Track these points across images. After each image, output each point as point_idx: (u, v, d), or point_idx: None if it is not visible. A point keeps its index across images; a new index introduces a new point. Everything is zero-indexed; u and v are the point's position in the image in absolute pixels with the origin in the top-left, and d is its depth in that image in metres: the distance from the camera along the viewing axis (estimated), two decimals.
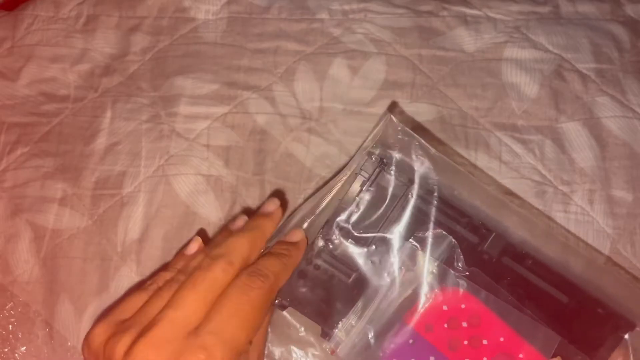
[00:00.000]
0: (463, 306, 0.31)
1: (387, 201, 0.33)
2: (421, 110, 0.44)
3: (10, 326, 0.41)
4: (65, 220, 0.43)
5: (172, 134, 0.44)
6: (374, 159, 0.33)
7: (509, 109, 0.44)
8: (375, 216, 0.33)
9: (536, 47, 0.46)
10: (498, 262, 0.33)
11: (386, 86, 0.45)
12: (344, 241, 0.33)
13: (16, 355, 0.40)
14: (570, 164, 0.42)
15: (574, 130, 0.43)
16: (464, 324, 0.30)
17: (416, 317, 0.30)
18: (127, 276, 0.41)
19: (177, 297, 0.27)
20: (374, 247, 0.33)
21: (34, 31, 0.49)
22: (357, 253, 0.33)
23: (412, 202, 0.33)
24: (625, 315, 0.32)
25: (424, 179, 0.33)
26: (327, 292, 0.33)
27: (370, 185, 0.33)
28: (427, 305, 0.31)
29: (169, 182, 0.43)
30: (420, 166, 0.32)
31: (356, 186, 0.33)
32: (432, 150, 0.33)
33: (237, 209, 0.42)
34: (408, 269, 0.31)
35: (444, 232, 0.32)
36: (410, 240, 0.32)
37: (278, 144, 0.44)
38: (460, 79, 0.45)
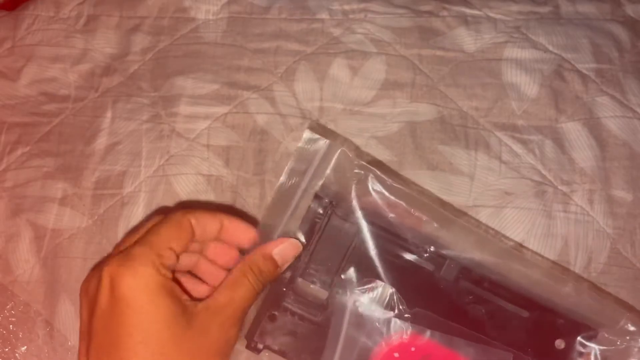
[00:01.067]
0: (413, 349, 0.31)
1: (339, 244, 0.33)
2: (421, 110, 0.44)
3: (11, 326, 0.41)
4: (66, 220, 0.43)
5: (173, 134, 0.44)
6: (324, 202, 0.33)
7: (509, 109, 0.44)
8: (329, 259, 0.33)
9: (536, 47, 0.46)
10: (456, 287, 0.33)
11: (386, 86, 0.45)
12: (307, 285, 0.33)
13: (17, 354, 0.41)
14: (570, 164, 0.42)
15: (574, 130, 0.43)
16: None
17: None
18: None
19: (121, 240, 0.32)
20: (331, 291, 0.33)
21: (34, 31, 0.49)
22: (320, 295, 0.33)
23: (364, 241, 0.33)
24: (587, 323, 0.33)
25: (375, 215, 0.33)
26: (298, 333, 0.33)
27: (322, 230, 0.33)
28: (378, 357, 0.31)
29: (169, 182, 0.43)
30: (370, 203, 0.33)
31: (308, 230, 0.33)
32: (389, 181, 0.33)
33: (238, 208, 0.42)
34: (354, 324, 0.32)
35: (380, 282, 0.32)
36: (355, 292, 0.32)
37: (278, 144, 0.44)
38: (460, 79, 0.45)
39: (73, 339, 0.40)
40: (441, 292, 0.33)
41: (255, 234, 0.32)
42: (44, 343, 0.41)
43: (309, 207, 0.33)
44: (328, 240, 0.33)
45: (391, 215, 0.33)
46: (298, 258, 0.33)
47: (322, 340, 0.32)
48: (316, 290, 0.33)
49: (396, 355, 0.31)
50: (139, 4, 0.50)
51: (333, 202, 0.33)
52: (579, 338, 0.32)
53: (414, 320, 0.32)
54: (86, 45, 0.49)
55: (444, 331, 0.32)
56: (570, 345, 0.32)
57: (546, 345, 0.33)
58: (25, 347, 0.41)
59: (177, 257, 0.29)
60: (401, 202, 0.33)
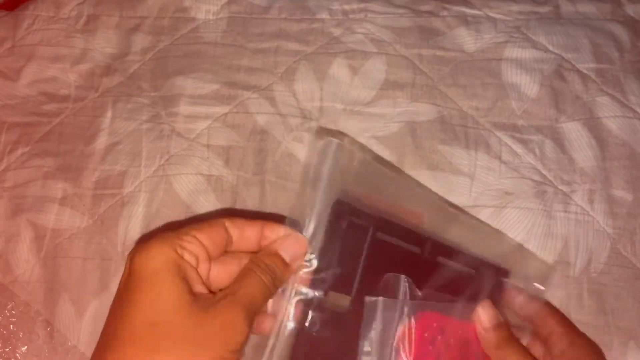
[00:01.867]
0: (435, 324, 0.33)
1: (352, 246, 0.33)
2: (421, 110, 0.44)
3: (11, 326, 0.41)
4: (66, 220, 0.43)
5: (173, 133, 0.44)
6: (331, 204, 0.32)
7: (509, 109, 0.44)
8: (344, 263, 0.32)
9: (536, 47, 0.46)
10: (435, 262, 0.35)
11: (386, 86, 0.45)
12: (327, 295, 0.32)
13: (17, 354, 0.41)
14: (571, 164, 0.42)
15: (574, 130, 0.43)
16: (439, 337, 0.33)
17: (409, 355, 0.32)
18: None
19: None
20: (353, 294, 0.33)
21: (34, 31, 0.49)
22: (342, 302, 0.32)
23: (374, 239, 0.33)
24: (504, 267, 0.37)
25: (376, 209, 0.33)
26: (328, 349, 0.32)
27: (331, 233, 0.32)
28: (411, 341, 0.32)
29: (169, 182, 0.43)
30: (369, 197, 0.33)
31: (317, 235, 0.32)
32: (389, 172, 0.34)
33: (238, 208, 0.42)
34: (371, 324, 0.32)
35: (393, 273, 0.33)
36: (367, 298, 0.32)
37: (278, 144, 0.44)
38: (461, 79, 0.45)
39: (73, 339, 0.40)
40: (430, 269, 0.35)
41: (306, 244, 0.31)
42: (44, 343, 0.41)
43: (318, 210, 0.32)
44: (340, 245, 0.32)
45: (388, 206, 0.34)
46: (325, 278, 0.32)
47: (352, 344, 0.32)
48: (338, 297, 0.32)
49: (426, 334, 0.33)
50: (139, 4, 0.50)
51: (346, 204, 0.32)
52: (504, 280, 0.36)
53: (426, 299, 0.33)
54: (86, 45, 0.49)
55: (441, 301, 0.34)
56: (496, 286, 0.36)
57: (485, 293, 0.35)
58: (26, 347, 0.41)
59: (207, 253, 0.28)
60: (398, 194, 0.34)
